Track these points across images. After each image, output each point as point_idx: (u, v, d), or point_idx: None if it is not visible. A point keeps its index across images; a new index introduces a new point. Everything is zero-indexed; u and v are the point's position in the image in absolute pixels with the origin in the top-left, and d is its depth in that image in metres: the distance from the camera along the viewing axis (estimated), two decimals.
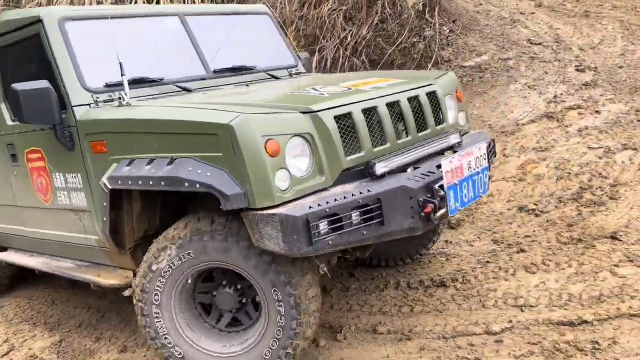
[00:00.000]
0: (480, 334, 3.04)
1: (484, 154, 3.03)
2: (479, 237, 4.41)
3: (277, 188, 2.37)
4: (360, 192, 2.45)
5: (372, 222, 2.45)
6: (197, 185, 2.42)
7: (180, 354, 2.85)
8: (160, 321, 2.84)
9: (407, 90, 3.02)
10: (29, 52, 3.31)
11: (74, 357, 3.69)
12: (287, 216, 2.29)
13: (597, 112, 5.52)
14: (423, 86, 3.14)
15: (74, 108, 2.99)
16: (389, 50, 6.62)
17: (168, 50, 3.50)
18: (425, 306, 3.47)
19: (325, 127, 2.55)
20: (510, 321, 3.08)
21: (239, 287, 2.85)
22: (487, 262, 3.95)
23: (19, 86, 2.85)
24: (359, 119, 2.69)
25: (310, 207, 2.34)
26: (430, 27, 6.69)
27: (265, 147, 2.37)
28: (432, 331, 3.15)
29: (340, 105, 2.66)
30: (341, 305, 3.62)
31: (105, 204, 2.89)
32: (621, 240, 3.89)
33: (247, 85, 3.53)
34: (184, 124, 2.55)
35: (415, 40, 6.67)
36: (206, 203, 3.01)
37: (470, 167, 2.87)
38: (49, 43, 3.07)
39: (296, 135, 2.48)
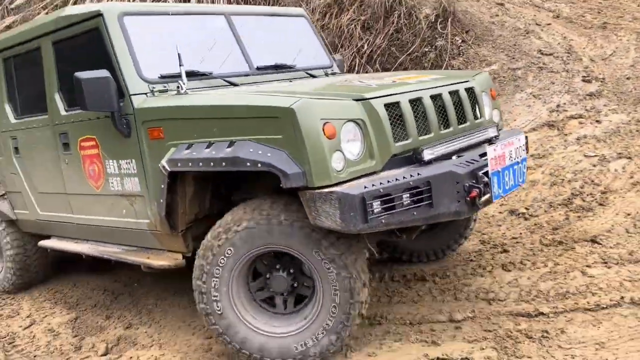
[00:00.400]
0: (443, 322, 3.28)
1: (524, 145, 3.23)
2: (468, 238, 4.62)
3: (333, 169, 2.55)
4: (411, 175, 2.62)
5: (421, 204, 2.60)
6: (259, 165, 2.60)
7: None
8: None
9: (449, 84, 3.23)
10: (87, 45, 3.49)
11: (87, 332, 4.10)
12: (345, 194, 2.47)
13: (597, 121, 5.65)
14: (462, 82, 3.35)
15: (131, 97, 3.18)
16: (401, 58, 6.88)
17: (215, 47, 3.69)
18: (402, 297, 3.73)
19: (377, 114, 2.74)
20: (473, 311, 3.31)
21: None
22: (471, 260, 4.17)
23: (81, 75, 3.03)
24: (406, 108, 2.89)
25: (365, 187, 2.52)
26: (443, 37, 6.92)
27: (323, 130, 2.55)
28: (402, 318, 3.41)
29: (390, 95, 2.85)
30: None
31: (163, 186, 3.07)
32: (601, 244, 4.05)
33: (290, 81, 3.77)
34: (245, 108, 2.75)
35: (426, 49, 6.91)
36: (252, 189, 3.22)
37: (511, 157, 3.06)
38: (109, 36, 3.26)
39: (350, 120, 2.67)
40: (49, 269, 5.08)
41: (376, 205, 2.51)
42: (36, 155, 4.18)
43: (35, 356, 3.84)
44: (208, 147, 2.81)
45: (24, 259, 4.84)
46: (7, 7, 10.72)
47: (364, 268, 2.83)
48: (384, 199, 2.53)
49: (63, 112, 3.78)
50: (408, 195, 2.58)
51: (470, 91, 3.38)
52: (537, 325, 3.07)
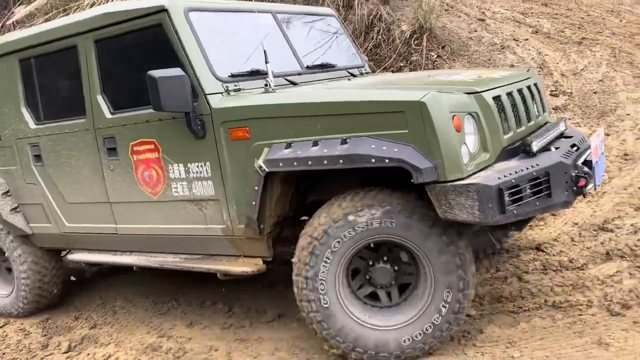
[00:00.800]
0: None
1: (604, 138, 3.36)
2: None
3: (462, 162, 2.56)
4: (532, 166, 2.64)
5: (541, 194, 2.63)
6: (386, 161, 2.56)
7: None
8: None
9: (525, 79, 3.33)
10: (143, 43, 3.32)
11: (56, 331, 4.34)
12: (484, 186, 2.46)
13: None
14: (529, 78, 3.45)
15: (207, 96, 3.06)
16: (377, 72, 7.12)
17: (269, 45, 3.57)
18: None
19: (489, 106, 2.76)
20: None
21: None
22: None
23: (156, 73, 2.89)
24: (506, 101, 2.93)
25: (499, 178, 2.52)
26: (418, 52, 7.15)
27: (452, 123, 2.56)
28: None
29: (494, 88, 2.90)
30: (275, 294, 4.11)
31: (257, 188, 2.96)
32: (544, 252, 4.21)
33: (349, 80, 3.77)
34: (362, 104, 2.68)
35: (402, 64, 7.15)
36: (331, 187, 3.16)
37: (599, 148, 3.16)
38: (177, 33, 3.09)
39: (468, 113, 2.69)
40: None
41: (507, 196, 2.53)
42: (67, 162, 3.87)
43: (3, 354, 4.07)
44: (314, 145, 2.75)
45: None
46: (9, 20, 11.10)
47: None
48: (513, 190, 2.56)
49: (108, 115, 3.55)
50: (530, 186, 2.62)
51: (536, 87, 3.48)
52: (462, 326, 3.25)
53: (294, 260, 2.96)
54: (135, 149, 3.47)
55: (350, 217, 2.77)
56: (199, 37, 3.16)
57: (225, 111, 3.04)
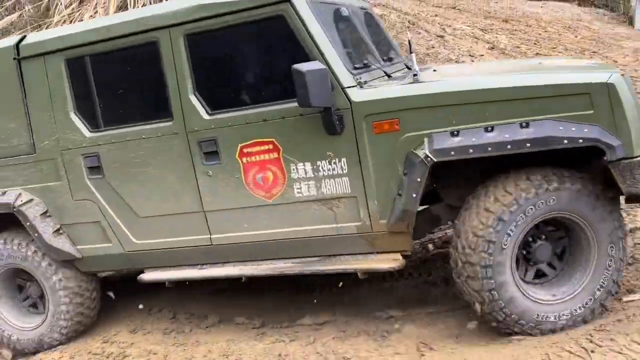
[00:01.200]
0: (309, 325, 3.69)
1: None
2: None
3: None
4: None
5: None
6: (580, 141, 2.72)
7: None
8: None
9: None
10: (254, 36, 3.23)
11: None
12: None
13: None
14: None
15: (346, 90, 3.03)
16: None
17: (352, 38, 3.56)
18: (293, 303, 4.10)
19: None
20: (334, 314, 3.73)
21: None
22: None
23: (303, 67, 2.84)
24: None
25: None
26: None
27: (635, 101, 2.77)
28: (281, 321, 3.85)
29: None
30: (218, 300, 4.28)
31: (419, 179, 2.93)
32: None
33: (434, 70, 3.82)
34: (543, 88, 2.81)
35: None
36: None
37: None
38: (305, 24, 3.04)
39: None
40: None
41: None
42: (142, 171, 3.54)
43: None
44: (488, 131, 2.81)
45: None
46: None
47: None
48: None
49: (206, 117, 3.34)
50: None
51: None
52: (384, 326, 3.48)
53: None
54: (246, 150, 3.29)
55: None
56: (326, 29, 3.11)
57: (368, 104, 3.02)
